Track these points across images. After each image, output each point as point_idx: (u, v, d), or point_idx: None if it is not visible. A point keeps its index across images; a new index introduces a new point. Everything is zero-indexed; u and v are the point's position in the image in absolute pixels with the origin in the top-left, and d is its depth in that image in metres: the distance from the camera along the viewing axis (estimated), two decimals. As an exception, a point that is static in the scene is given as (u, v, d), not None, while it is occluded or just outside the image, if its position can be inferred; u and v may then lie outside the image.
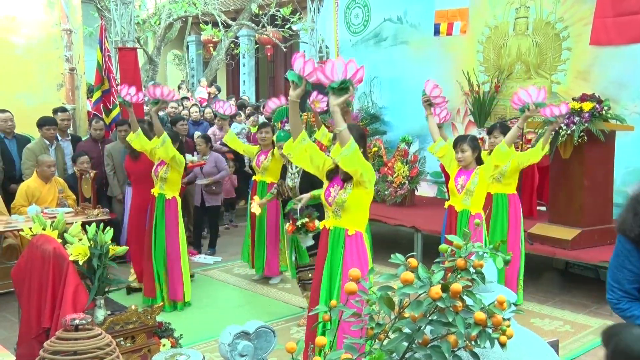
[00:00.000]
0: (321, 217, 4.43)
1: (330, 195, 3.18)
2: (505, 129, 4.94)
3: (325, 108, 5.92)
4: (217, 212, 7.10)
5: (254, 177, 5.87)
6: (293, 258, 4.65)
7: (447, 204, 4.62)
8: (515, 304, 5.06)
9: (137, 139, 5.04)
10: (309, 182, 4.41)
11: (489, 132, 5.07)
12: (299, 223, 4.16)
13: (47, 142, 6.23)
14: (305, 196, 4.23)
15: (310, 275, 4.58)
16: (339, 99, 2.81)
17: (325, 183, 3.26)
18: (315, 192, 4.30)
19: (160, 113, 8.79)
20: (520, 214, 4.93)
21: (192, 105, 9.52)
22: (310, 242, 4.32)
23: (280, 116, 4.83)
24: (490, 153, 5.14)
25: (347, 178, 3.13)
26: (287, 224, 4.29)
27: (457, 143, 4.45)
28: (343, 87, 2.78)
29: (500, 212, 4.92)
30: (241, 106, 10.49)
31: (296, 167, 4.53)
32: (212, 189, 6.74)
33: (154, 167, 5.11)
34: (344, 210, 3.14)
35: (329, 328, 2.87)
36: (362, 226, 3.21)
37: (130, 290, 5.46)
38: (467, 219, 4.39)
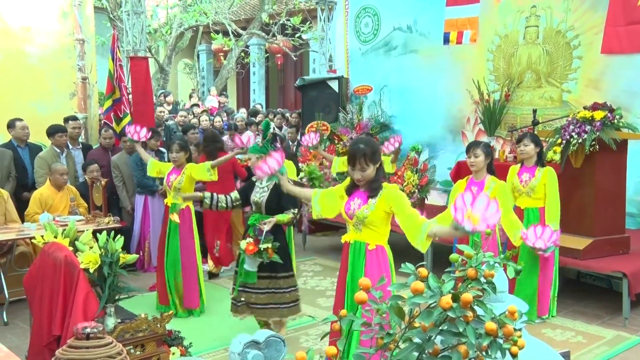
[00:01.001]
0: (281, 249, 4.20)
1: (350, 209, 3.12)
2: (535, 138, 4.90)
3: (316, 142, 6.06)
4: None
5: None
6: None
7: None
8: (543, 318, 4.94)
9: (151, 169, 5.22)
10: (276, 199, 4.28)
11: (519, 140, 5.02)
12: (262, 246, 4.03)
13: (58, 150, 6.28)
14: (272, 220, 4.12)
15: (253, 298, 4.28)
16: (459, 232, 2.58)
17: (345, 197, 3.21)
18: (280, 217, 4.18)
19: (170, 122, 8.86)
20: None
21: (202, 112, 9.57)
22: (254, 269, 4.17)
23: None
24: (518, 162, 5.13)
25: (373, 195, 3.07)
26: (247, 241, 4.10)
27: (470, 148, 4.44)
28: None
29: (532, 220, 4.86)
30: (254, 114, 10.50)
31: (266, 183, 4.31)
32: None
33: (166, 177, 5.16)
34: (365, 225, 3.09)
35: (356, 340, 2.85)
36: (384, 240, 3.16)
37: (212, 275, 6.31)
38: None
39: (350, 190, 3.19)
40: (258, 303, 4.30)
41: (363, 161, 3.02)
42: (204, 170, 4.99)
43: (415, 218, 2.95)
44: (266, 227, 4.07)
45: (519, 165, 5.04)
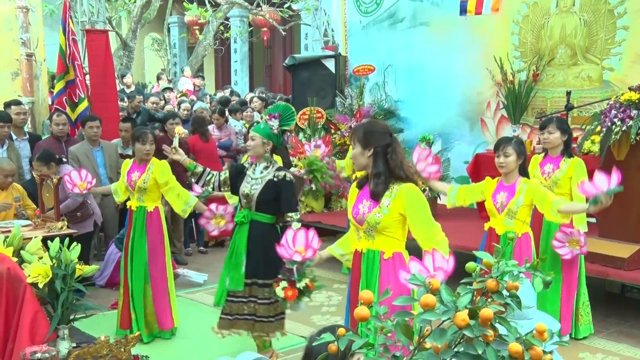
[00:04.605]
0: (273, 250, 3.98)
1: (359, 213, 3.15)
2: (562, 125, 4.93)
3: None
4: (87, 241, 6.15)
5: None
6: (226, 283, 4.38)
7: (486, 225, 4.59)
8: (576, 338, 4.91)
9: (120, 194, 5.17)
10: (272, 195, 4.19)
11: (543, 126, 5.03)
12: (300, 285, 3.77)
13: (-3, 143, 6.21)
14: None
15: (245, 309, 4.31)
16: None
17: (354, 192, 3.23)
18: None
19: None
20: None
21: (181, 96, 9.55)
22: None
23: (274, 110, 4.60)
24: (542, 152, 5.14)
25: (376, 197, 3.12)
26: (281, 288, 3.82)
27: (500, 146, 4.42)
28: None
29: (553, 228, 4.88)
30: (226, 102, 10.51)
31: (260, 173, 4.24)
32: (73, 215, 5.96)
33: (126, 175, 5.04)
34: (377, 232, 3.13)
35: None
36: (402, 246, 3.19)
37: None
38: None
39: (360, 184, 3.25)
40: (246, 314, 4.30)
41: (353, 140, 3.20)
42: (168, 174, 4.94)
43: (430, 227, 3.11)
44: (295, 265, 3.74)
45: (543, 154, 5.07)
